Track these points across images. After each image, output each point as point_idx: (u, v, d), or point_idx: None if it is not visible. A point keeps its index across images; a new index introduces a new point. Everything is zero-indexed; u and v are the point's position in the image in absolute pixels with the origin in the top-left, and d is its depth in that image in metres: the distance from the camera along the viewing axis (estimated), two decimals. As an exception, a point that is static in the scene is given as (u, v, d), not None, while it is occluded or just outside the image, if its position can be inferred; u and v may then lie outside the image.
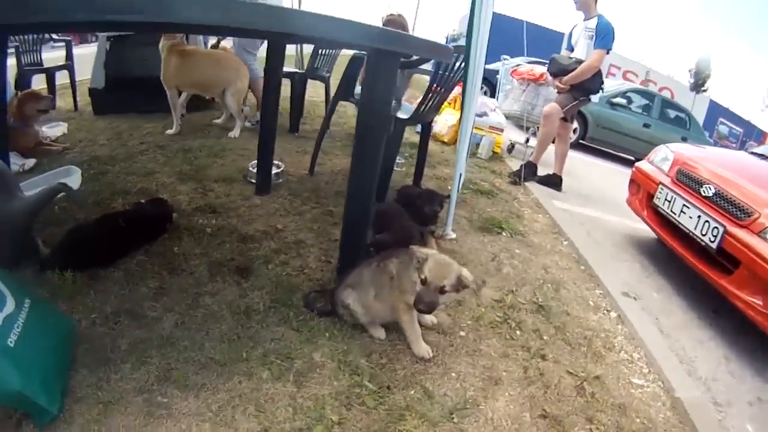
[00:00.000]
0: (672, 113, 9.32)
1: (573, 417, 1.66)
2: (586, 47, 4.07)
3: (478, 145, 4.98)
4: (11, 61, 3.19)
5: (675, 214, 2.93)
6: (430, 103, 2.91)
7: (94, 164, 3.13)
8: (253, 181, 3.13)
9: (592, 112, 8.44)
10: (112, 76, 4.28)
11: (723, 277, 2.50)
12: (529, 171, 4.24)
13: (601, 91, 4.30)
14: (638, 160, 3.82)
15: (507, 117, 5.71)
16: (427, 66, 3.33)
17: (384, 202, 2.76)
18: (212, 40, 4.92)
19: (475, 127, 5.10)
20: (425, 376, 1.66)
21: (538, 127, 4.73)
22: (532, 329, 2.05)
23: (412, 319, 1.69)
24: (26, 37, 4.08)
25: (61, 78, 4.92)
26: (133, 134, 3.91)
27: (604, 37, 3.91)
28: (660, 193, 3.11)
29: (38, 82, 4.46)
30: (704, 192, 2.79)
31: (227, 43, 4.92)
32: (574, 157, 5.09)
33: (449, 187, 3.36)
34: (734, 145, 21.85)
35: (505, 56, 6.56)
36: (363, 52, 2.93)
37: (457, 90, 5.90)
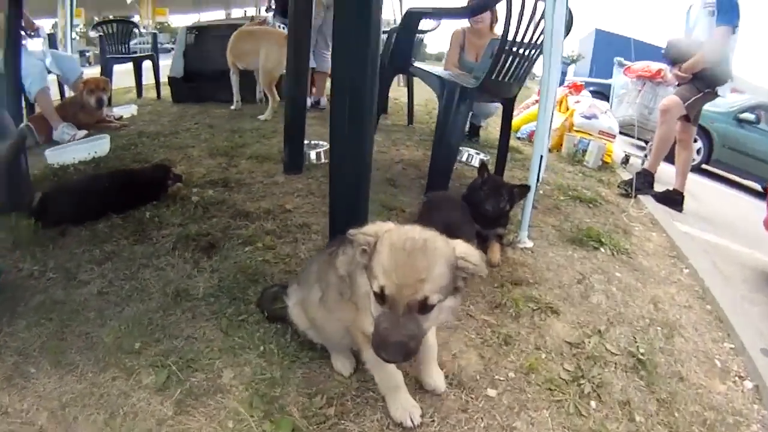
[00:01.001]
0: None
1: None
2: (707, 26, 3.27)
3: (584, 151, 4.19)
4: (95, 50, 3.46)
5: None
6: (508, 68, 2.26)
7: (137, 138, 3.18)
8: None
9: (717, 130, 6.65)
10: (191, 66, 4.49)
11: None
12: (643, 181, 3.49)
13: (730, 80, 3.26)
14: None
15: (622, 126, 4.88)
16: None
17: (440, 191, 2.19)
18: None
19: (582, 131, 4.41)
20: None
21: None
22: (620, 400, 1.31)
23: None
24: (113, 28, 4.49)
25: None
26: (195, 117, 4.01)
27: (727, 11, 3.12)
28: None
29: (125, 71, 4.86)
30: None
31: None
32: (691, 177, 4.12)
33: (539, 194, 2.66)
34: None
35: (619, 58, 5.76)
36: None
37: (563, 90, 5.19)
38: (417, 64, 2.75)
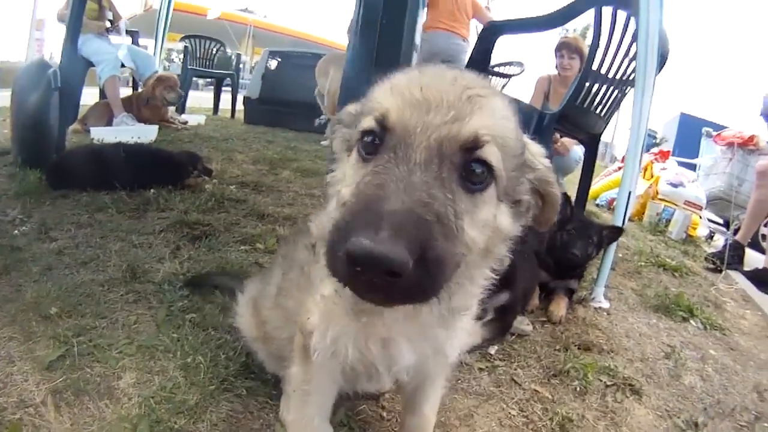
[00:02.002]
0: None
1: None
2: None
3: (668, 221, 3.80)
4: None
5: None
6: (594, 95, 1.95)
7: (190, 136, 3.23)
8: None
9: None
10: (267, 89, 4.66)
11: None
12: (734, 254, 2.99)
13: None
14: None
15: (709, 200, 4.49)
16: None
17: None
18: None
19: (667, 200, 4.05)
20: None
21: None
22: None
23: (305, 377, 0.69)
24: (201, 43, 4.81)
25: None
26: (258, 135, 4.04)
27: None
28: None
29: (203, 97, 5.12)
30: None
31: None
32: None
33: (618, 257, 2.25)
34: None
35: (707, 128, 5.39)
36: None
37: (649, 157, 4.84)
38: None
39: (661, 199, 4.06)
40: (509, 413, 1.03)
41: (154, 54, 4.14)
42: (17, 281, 1.18)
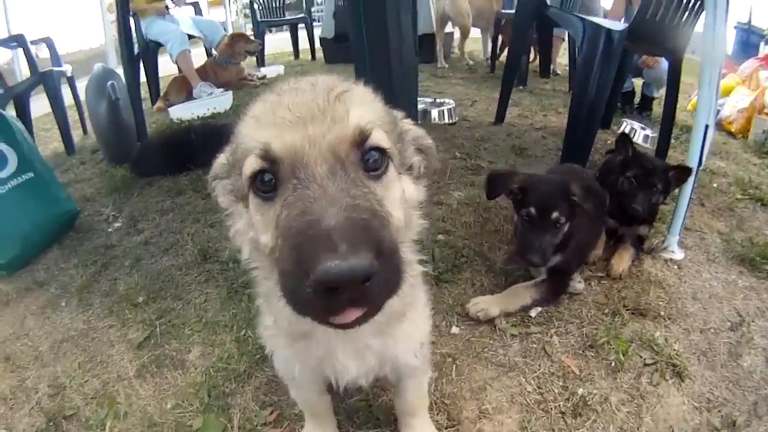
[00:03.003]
0: None
1: None
2: None
3: None
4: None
5: None
6: (668, 4, 1.66)
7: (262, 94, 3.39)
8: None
9: None
10: (341, 26, 4.62)
11: None
12: None
13: None
14: None
15: None
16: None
17: (567, 165, 1.76)
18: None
19: None
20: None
21: None
22: None
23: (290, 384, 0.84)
24: None
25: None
26: (340, 74, 4.08)
27: None
28: None
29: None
30: None
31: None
32: None
33: (710, 187, 2.02)
34: None
35: None
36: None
37: (754, 63, 3.86)
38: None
39: (769, 114, 3.32)
40: (524, 389, 1.04)
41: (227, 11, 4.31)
42: (113, 275, 1.50)
